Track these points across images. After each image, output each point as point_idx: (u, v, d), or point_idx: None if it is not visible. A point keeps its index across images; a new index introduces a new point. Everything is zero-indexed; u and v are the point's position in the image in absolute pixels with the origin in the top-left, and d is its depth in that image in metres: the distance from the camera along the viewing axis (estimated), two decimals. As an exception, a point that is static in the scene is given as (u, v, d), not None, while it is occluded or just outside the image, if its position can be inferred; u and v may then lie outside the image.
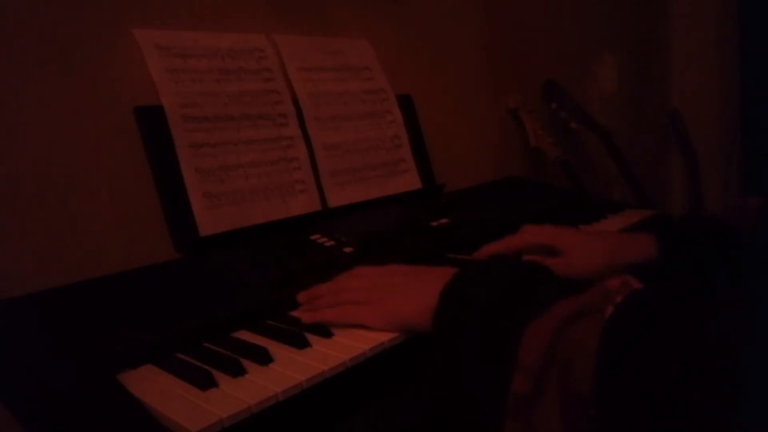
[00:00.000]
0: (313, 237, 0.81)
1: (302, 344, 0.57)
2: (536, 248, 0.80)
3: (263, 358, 0.54)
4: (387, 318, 0.59)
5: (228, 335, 0.60)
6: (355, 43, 1.07)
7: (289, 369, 0.52)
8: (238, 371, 0.51)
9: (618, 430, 0.38)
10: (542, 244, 0.79)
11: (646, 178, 1.66)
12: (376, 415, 0.56)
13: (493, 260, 0.78)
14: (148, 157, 0.77)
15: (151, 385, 0.50)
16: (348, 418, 0.54)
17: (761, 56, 1.95)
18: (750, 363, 0.34)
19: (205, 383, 0.49)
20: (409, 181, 1.07)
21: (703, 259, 0.76)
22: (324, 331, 0.59)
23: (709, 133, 1.99)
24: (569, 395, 0.41)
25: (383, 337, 0.58)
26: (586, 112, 1.52)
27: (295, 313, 0.64)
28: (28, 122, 0.70)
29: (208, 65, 0.84)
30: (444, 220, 0.94)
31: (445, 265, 0.79)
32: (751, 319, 0.36)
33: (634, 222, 1.05)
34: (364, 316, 0.60)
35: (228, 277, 0.68)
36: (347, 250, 0.78)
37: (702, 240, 0.78)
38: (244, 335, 0.60)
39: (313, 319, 0.61)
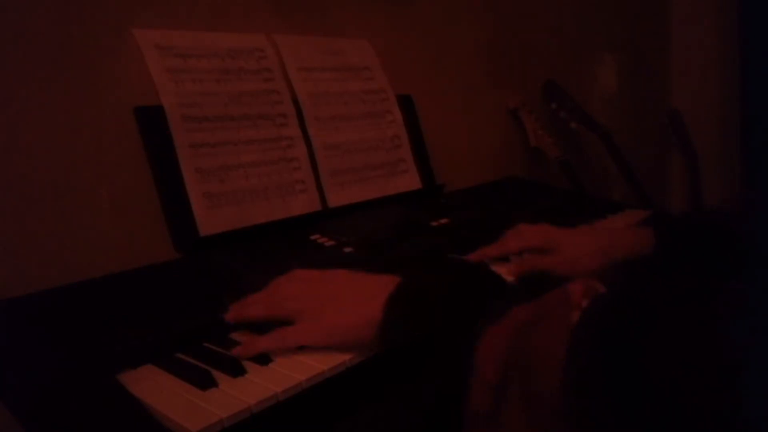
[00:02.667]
0: (313, 237, 0.81)
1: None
2: (531, 250, 0.80)
3: (263, 357, 0.54)
4: (327, 336, 0.55)
5: (228, 335, 0.60)
6: (355, 43, 1.07)
7: (289, 369, 0.52)
8: (238, 371, 0.51)
9: None
10: (536, 246, 0.79)
11: (646, 178, 1.66)
12: (376, 414, 0.56)
13: (438, 266, 0.74)
14: (148, 157, 0.77)
15: (151, 385, 0.50)
16: (348, 418, 0.54)
17: (761, 56, 1.95)
18: (744, 366, 0.33)
19: (205, 383, 0.49)
20: (409, 181, 1.07)
21: (701, 252, 0.76)
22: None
23: (709, 133, 1.99)
24: (535, 407, 0.39)
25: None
26: (586, 112, 1.52)
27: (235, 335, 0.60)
28: (28, 122, 0.70)
29: (208, 65, 0.84)
30: (444, 220, 0.94)
31: (445, 265, 0.79)
32: (748, 318, 0.36)
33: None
34: (303, 337, 0.56)
35: (228, 277, 0.68)
36: (347, 250, 0.78)
37: (699, 233, 0.78)
38: (244, 335, 0.60)
39: (248, 352, 0.54)
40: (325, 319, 0.56)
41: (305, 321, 0.56)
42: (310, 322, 0.56)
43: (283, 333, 0.56)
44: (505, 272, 0.77)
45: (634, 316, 0.38)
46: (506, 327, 0.43)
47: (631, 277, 0.74)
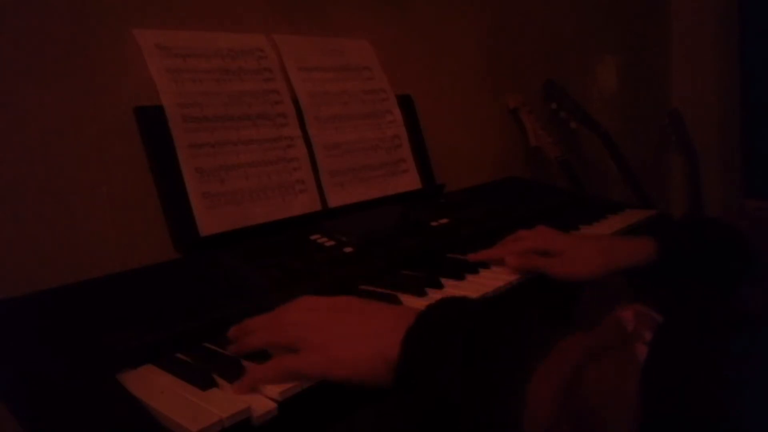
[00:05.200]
0: (313, 237, 0.81)
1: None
2: (531, 252, 0.80)
3: (263, 358, 0.54)
4: (334, 368, 0.49)
5: (228, 335, 0.60)
6: (355, 43, 1.07)
7: (289, 369, 0.52)
8: (237, 371, 0.51)
9: None
10: (537, 248, 0.79)
11: (646, 178, 1.66)
12: (375, 415, 0.56)
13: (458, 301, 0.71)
14: (148, 157, 0.77)
15: (151, 385, 0.50)
16: (347, 418, 0.54)
17: (761, 56, 1.95)
18: None
19: (205, 383, 0.49)
20: (409, 181, 1.07)
21: (704, 262, 0.76)
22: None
23: (709, 133, 1.99)
24: None
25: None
26: (586, 112, 1.52)
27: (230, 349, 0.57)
28: (29, 122, 0.70)
29: (208, 65, 0.84)
30: (444, 220, 0.94)
31: (445, 266, 0.80)
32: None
33: (634, 222, 1.05)
34: (307, 368, 0.50)
35: (228, 277, 0.68)
36: (347, 250, 0.78)
37: (703, 242, 0.78)
38: (244, 335, 0.60)
39: (248, 387, 0.49)
40: (332, 351, 0.50)
41: (310, 351, 0.50)
42: (315, 352, 0.50)
43: (284, 362, 0.50)
44: (506, 271, 0.77)
45: (714, 346, 0.35)
46: (557, 365, 0.38)
47: (683, 301, 0.72)
